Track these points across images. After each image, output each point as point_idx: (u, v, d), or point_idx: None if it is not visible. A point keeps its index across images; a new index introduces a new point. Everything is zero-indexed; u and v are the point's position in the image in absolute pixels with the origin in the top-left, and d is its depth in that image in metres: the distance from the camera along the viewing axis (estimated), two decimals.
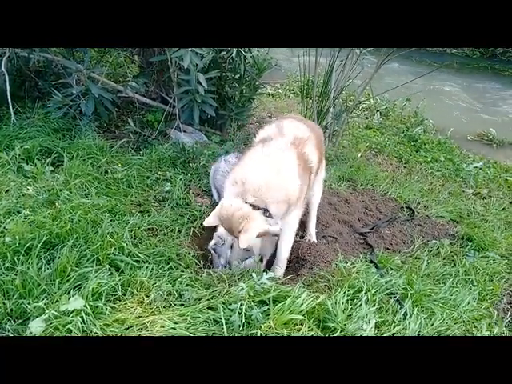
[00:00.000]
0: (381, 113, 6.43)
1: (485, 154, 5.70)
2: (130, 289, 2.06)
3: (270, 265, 2.60)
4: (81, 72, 3.56)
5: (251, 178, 2.09)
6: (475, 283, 2.77)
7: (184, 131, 3.95)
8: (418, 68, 8.39)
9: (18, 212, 2.46)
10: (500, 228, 3.59)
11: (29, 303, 1.86)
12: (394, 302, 2.23)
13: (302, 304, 1.95)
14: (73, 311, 1.81)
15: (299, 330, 1.87)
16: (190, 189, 3.22)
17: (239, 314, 1.87)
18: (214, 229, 2.54)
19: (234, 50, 3.63)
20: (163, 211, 2.85)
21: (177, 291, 2.09)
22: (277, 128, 2.41)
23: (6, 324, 1.79)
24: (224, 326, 1.84)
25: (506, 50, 10.51)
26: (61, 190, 2.73)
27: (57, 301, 1.88)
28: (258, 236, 2.11)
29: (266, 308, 1.94)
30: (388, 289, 2.31)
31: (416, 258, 2.96)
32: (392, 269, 2.67)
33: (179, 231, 2.70)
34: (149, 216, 2.73)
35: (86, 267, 2.11)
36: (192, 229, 2.77)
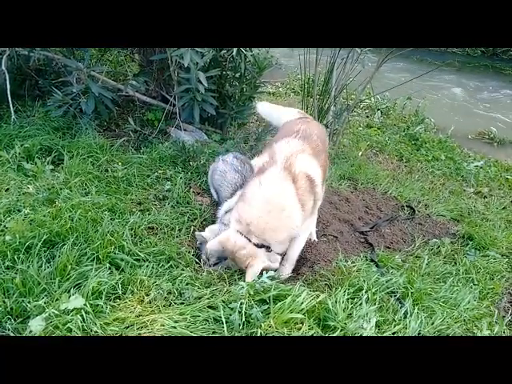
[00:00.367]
0: (381, 111, 6.42)
1: (486, 152, 5.69)
2: (130, 287, 2.06)
3: None
4: (81, 70, 3.55)
5: (255, 222, 2.21)
6: (476, 282, 2.77)
7: (184, 130, 3.95)
8: (418, 67, 8.37)
9: (19, 210, 2.46)
10: (501, 227, 3.59)
11: (29, 302, 1.86)
12: (394, 300, 2.23)
13: (303, 303, 1.95)
14: (73, 310, 1.81)
15: (299, 329, 1.86)
16: (190, 187, 3.22)
17: (239, 312, 1.87)
18: None
19: (235, 48, 3.62)
20: (163, 210, 2.84)
21: (177, 290, 2.09)
22: (269, 157, 2.41)
23: (6, 323, 1.79)
24: (224, 325, 1.84)
25: (507, 49, 10.48)
26: (61, 189, 2.73)
27: (57, 299, 1.88)
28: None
29: (266, 307, 1.94)
30: (388, 288, 2.31)
31: (416, 256, 2.96)
32: (392, 268, 2.67)
33: (179, 230, 2.70)
34: (149, 215, 2.73)
35: (86, 266, 2.11)
36: (192, 227, 2.77)
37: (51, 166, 3.05)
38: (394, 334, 1.99)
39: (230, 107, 4.13)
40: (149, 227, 2.63)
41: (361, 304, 2.07)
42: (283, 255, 2.47)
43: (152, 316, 1.89)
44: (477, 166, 5.03)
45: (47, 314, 1.77)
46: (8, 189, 2.73)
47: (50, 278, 2.01)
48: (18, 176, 2.89)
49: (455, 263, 2.96)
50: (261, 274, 2.17)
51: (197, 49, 3.31)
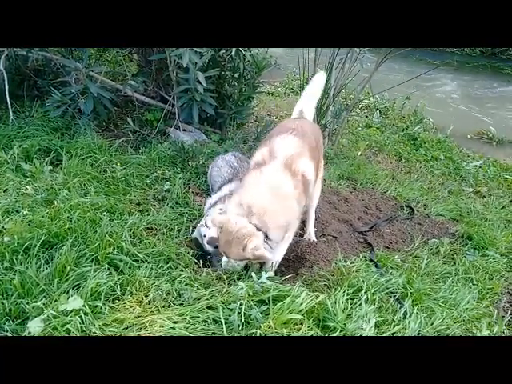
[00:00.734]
0: (380, 111, 6.42)
1: (484, 152, 5.69)
2: (129, 288, 2.05)
3: None
4: (80, 71, 3.54)
5: (258, 202, 2.26)
6: (475, 282, 2.77)
7: (183, 130, 3.94)
8: (417, 66, 8.37)
9: (17, 211, 2.45)
10: (500, 226, 3.59)
11: (27, 303, 1.85)
12: (393, 301, 2.23)
13: (302, 303, 1.95)
14: (72, 311, 1.80)
15: (299, 330, 1.86)
16: (189, 188, 3.21)
17: (238, 313, 1.87)
18: None
19: (234, 48, 3.62)
20: (162, 210, 2.84)
21: (176, 291, 2.09)
22: (268, 152, 2.45)
23: (4, 324, 1.78)
24: (223, 326, 1.84)
25: (505, 49, 10.49)
26: (59, 190, 2.72)
27: (55, 300, 1.87)
28: (254, 259, 2.24)
29: (265, 307, 1.94)
30: (388, 288, 2.31)
31: (416, 256, 2.96)
32: (392, 268, 2.67)
33: (178, 230, 2.69)
34: (148, 215, 2.72)
35: (85, 267, 2.10)
36: (191, 228, 2.76)
37: (50, 167, 3.04)
38: (393, 334, 1.99)
39: (228, 107, 4.12)
40: (148, 228, 2.62)
41: (360, 304, 2.07)
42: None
43: (151, 317, 1.89)
44: (476, 166, 5.03)
45: (46, 316, 1.77)
46: (6, 189, 2.72)
47: (48, 279, 2.00)
48: (16, 177, 2.89)
49: (454, 263, 2.96)
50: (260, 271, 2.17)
51: (195, 49, 3.31)
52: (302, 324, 1.89)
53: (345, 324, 1.92)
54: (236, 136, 4.12)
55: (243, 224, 2.22)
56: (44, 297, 1.91)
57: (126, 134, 3.85)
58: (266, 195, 2.29)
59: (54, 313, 1.78)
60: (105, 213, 2.54)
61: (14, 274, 1.98)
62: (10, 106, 3.50)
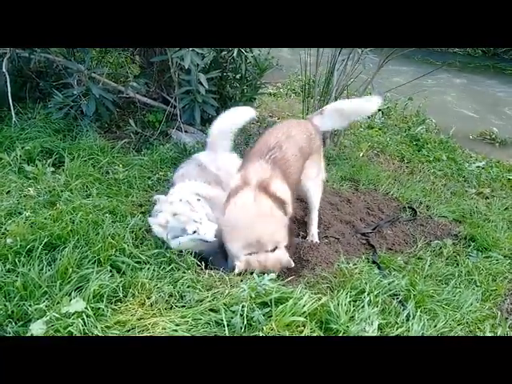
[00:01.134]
0: (383, 112, 6.40)
1: (487, 153, 5.65)
2: (131, 290, 2.05)
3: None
4: (82, 72, 3.55)
5: (263, 234, 2.34)
6: (478, 284, 2.75)
7: (185, 131, 3.94)
8: (419, 67, 8.35)
9: (19, 213, 2.46)
10: (503, 228, 3.57)
11: (30, 305, 1.85)
12: (396, 303, 2.22)
13: (304, 306, 1.95)
14: (74, 313, 1.80)
15: (301, 332, 1.86)
16: None
17: (241, 315, 1.86)
18: None
19: (235, 49, 3.62)
20: None
21: (178, 293, 2.08)
22: (242, 179, 2.48)
23: (7, 326, 1.79)
24: (226, 328, 1.83)
25: (508, 49, 10.45)
26: (62, 191, 2.73)
27: (58, 303, 1.87)
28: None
29: (267, 310, 1.93)
30: (391, 290, 2.29)
31: (418, 258, 2.94)
32: (394, 269, 2.66)
33: None
34: (150, 217, 2.71)
35: (87, 269, 2.11)
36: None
37: (52, 169, 3.05)
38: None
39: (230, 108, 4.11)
40: (150, 229, 2.61)
41: (363, 306, 2.06)
42: None
43: (153, 319, 1.89)
44: (478, 167, 5.00)
45: (48, 318, 1.77)
46: (9, 191, 2.73)
47: (51, 281, 2.01)
48: (18, 178, 2.89)
49: (457, 265, 2.94)
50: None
51: (197, 50, 3.31)
52: (304, 326, 1.88)
53: (347, 326, 1.91)
54: (238, 137, 4.11)
55: (263, 258, 2.33)
56: (46, 299, 1.91)
57: (128, 135, 3.85)
58: (257, 222, 2.36)
59: (57, 315, 1.78)
60: (107, 214, 2.54)
61: (17, 276, 1.98)
62: (12, 108, 3.51)
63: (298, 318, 1.89)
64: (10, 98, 3.46)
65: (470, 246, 3.22)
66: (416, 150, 5.24)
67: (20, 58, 3.79)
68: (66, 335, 1.73)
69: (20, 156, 3.12)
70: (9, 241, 2.16)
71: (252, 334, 1.83)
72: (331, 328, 1.92)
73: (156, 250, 2.37)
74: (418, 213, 3.60)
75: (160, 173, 3.31)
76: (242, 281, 2.20)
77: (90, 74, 3.61)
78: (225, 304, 1.97)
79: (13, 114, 3.52)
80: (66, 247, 2.18)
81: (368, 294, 2.15)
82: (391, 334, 1.97)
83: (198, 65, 3.40)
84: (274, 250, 2.35)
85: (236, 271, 2.27)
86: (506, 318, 2.50)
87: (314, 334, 1.87)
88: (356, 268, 2.47)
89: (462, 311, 2.32)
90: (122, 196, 2.90)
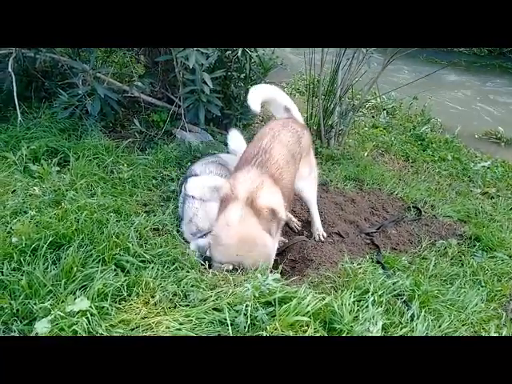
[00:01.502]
0: (387, 111, 6.38)
1: (493, 152, 5.62)
2: (135, 289, 2.05)
3: None
4: (87, 72, 3.56)
5: (245, 258, 2.35)
6: (483, 284, 2.74)
7: (189, 131, 3.95)
8: (425, 66, 8.31)
9: (25, 212, 2.46)
10: (508, 228, 3.55)
11: (35, 304, 1.86)
12: (401, 303, 2.21)
13: (308, 305, 1.94)
14: (78, 312, 1.81)
15: (305, 332, 1.85)
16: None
17: (244, 315, 1.86)
18: None
19: (240, 49, 3.62)
20: (168, 211, 2.84)
21: (182, 292, 2.08)
22: (230, 188, 2.46)
23: (12, 324, 1.79)
24: (229, 328, 1.83)
25: None
26: (67, 191, 2.74)
27: (63, 301, 1.88)
28: None
29: (271, 309, 1.93)
30: (395, 290, 2.29)
31: (423, 258, 2.94)
32: (399, 269, 2.65)
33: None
34: (154, 216, 2.73)
35: (92, 268, 2.11)
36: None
37: (57, 168, 3.06)
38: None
39: (235, 108, 4.12)
40: (154, 228, 2.63)
41: (367, 307, 2.05)
42: None
43: (157, 318, 1.89)
44: (484, 167, 4.97)
45: (53, 316, 1.77)
46: (14, 190, 2.74)
47: (55, 279, 2.01)
48: (24, 178, 2.91)
49: (462, 265, 2.93)
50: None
51: (202, 50, 3.32)
52: (308, 326, 1.88)
53: (351, 326, 1.90)
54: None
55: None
56: (51, 297, 1.92)
57: (132, 134, 3.86)
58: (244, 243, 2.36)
59: (61, 314, 1.78)
60: (112, 214, 2.54)
61: (22, 275, 1.99)
62: (18, 108, 3.52)
63: (301, 317, 1.89)
64: (15, 97, 3.48)
65: (475, 246, 3.20)
66: (421, 150, 5.22)
67: (25, 58, 3.80)
68: (71, 335, 1.74)
69: (25, 155, 3.14)
70: (14, 240, 2.16)
71: (256, 334, 1.83)
72: (335, 328, 1.92)
73: (160, 249, 2.37)
74: (423, 212, 3.59)
75: (164, 172, 3.32)
76: (245, 280, 2.20)
77: (95, 74, 3.63)
78: (228, 303, 1.97)
79: (18, 113, 3.54)
80: (70, 246, 2.19)
81: (372, 294, 2.14)
82: (395, 334, 1.97)
83: (202, 64, 3.40)
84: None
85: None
86: (511, 319, 2.49)
87: (318, 334, 1.86)
88: (360, 268, 2.46)
89: (467, 311, 2.31)
90: (126, 195, 2.91)
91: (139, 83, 3.98)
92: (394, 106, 6.55)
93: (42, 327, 1.74)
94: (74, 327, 1.75)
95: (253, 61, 3.88)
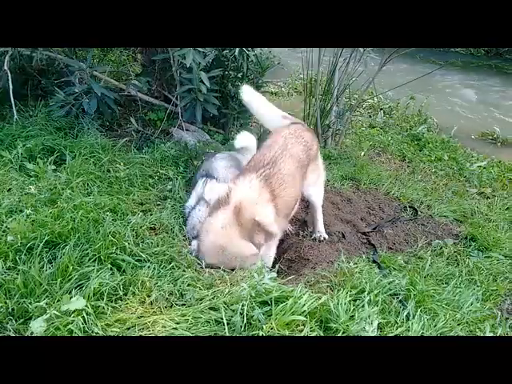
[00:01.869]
0: (384, 111, 6.40)
1: (489, 153, 5.64)
2: (131, 289, 2.05)
3: None
4: (83, 70, 3.55)
5: (222, 263, 2.37)
6: (479, 284, 2.75)
7: (186, 130, 3.95)
8: (421, 66, 8.33)
9: (20, 211, 2.45)
10: (504, 228, 3.57)
11: (30, 303, 1.85)
12: (396, 302, 2.22)
13: (304, 305, 1.94)
14: (74, 311, 1.80)
15: (301, 331, 1.85)
16: (190, 188, 3.21)
17: (241, 314, 1.86)
18: None
19: (237, 48, 3.62)
20: (165, 210, 2.84)
21: (178, 291, 2.08)
22: (227, 193, 2.47)
23: (7, 323, 1.78)
24: (226, 327, 1.83)
25: (510, 49, 10.41)
26: (63, 189, 2.72)
27: (58, 300, 1.87)
28: None
29: (267, 308, 1.93)
30: (391, 289, 2.29)
31: (419, 258, 2.94)
32: (395, 269, 2.66)
33: (181, 230, 2.69)
34: (151, 215, 2.72)
35: (88, 267, 2.10)
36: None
37: (53, 167, 3.05)
38: (396, 336, 1.98)
39: (232, 107, 4.12)
40: (150, 227, 2.62)
41: (363, 306, 2.06)
42: None
43: (153, 317, 1.89)
44: (480, 167, 5.00)
45: (48, 315, 1.76)
46: (10, 189, 2.72)
47: (51, 278, 2.00)
48: (20, 176, 2.89)
49: (458, 264, 2.94)
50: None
51: (199, 49, 3.31)
52: (304, 325, 1.88)
53: (347, 326, 1.91)
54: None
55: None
56: (47, 297, 1.91)
57: (129, 133, 3.85)
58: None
59: (57, 313, 1.78)
60: (108, 213, 2.53)
61: (17, 274, 1.98)
62: (13, 106, 3.51)
63: (297, 316, 1.89)
64: (11, 95, 3.46)
65: (470, 245, 3.22)
66: (417, 150, 5.24)
67: (22, 56, 3.79)
68: (66, 334, 1.73)
69: (21, 154, 3.12)
70: (9, 238, 2.15)
71: (252, 333, 1.83)
72: (331, 327, 1.92)
73: (156, 249, 2.37)
74: (419, 212, 3.61)
75: (161, 171, 3.31)
76: (242, 279, 2.20)
77: (91, 72, 3.61)
78: (225, 303, 1.97)
79: (14, 111, 3.52)
80: (66, 245, 2.18)
81: (368, 294, 2.15)
82: (391, 334, 1.97)
83: (199, 63, 3.40)
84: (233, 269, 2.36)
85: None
86: (507, 319, 2.50)
87: (314, 333, 1.86)
88: (356, 267, 2.47)
89: (462, 311, 2.32)
90: (122, 194, 2.90)
91: (136, 82, 3.98)
92: (390, 106, 6.58)
93: (37, 326, 1.73)
94: (70, 326, 1.74)
95: (250, 60, 3.88)
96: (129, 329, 1.83)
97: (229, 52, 3.86)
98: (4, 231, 2.25)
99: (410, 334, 1.99)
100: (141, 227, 2.52)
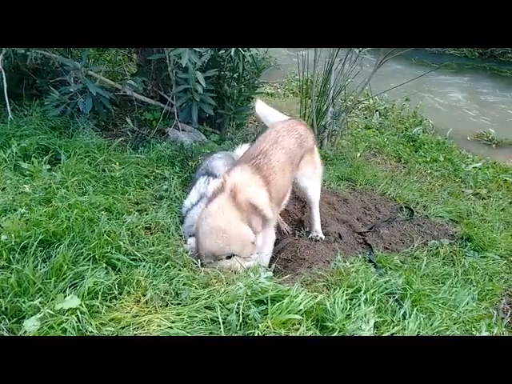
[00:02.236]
0: (380, 113, 6.42)
1: (484, 154, 5.68)
2: (126, 288, 2.03)
3: None
4: (78, 70, 3.54)
5: (216, 246, 2.38)
6: (474, 283, 2.75)
7: (182, 130, 3.94)
8: (417, 68, 8.38)
9: (15, 210, 2.43)
10: (499, 228, 3.58)
11: (24, 302, 1.83)
12: (393, 301, 2.21)
13: (301, 304, 1.93)
14: (68, 310, 1.78)
15: (297, 330, 1.84)
16: (187, 187, 3.20)
17: (237, 313, 1.85)
18: None
19: (233, 48, 3.62)
20: (161, 210, 2.82)
21: (174, 290, 2.07)
22: (221, 183, 2.49)
23: (0, 323, 1.77)
24: (221, 326, 1.82)
25: (504, 51, 10.50)
26: (58, 189, 2.71)
27: (52, 299, 1.85)
28: None
29: (263, 307, 1.92)
30: (387, 289, 2.29)
31: (415, 257, 2.95)
32: (391, 269, 2.66)
33: (177, 230, 2.68)
34: (146, 214, 2.71)
35: (83, 266, 2.08)
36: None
37: (48, 166, 3.03)
38: (392, 335, 1.97)
39: (228, 107, 4.12)
40: (146, 227, 2.61)
41: (359, 305, 2.05)
42: None
43: (148, 316, 1.87)
44: (475, 168, 5.02)
45: (42, 314, 1.75)
46: (4, 188, 2.70)
47: (45, 277, 1.98)
48: (14, 175, 2.87)
49: (454, 264, 2.95)
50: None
51: (195, 49, 3.31)
52: (300, 324, 1.87)
53: (344, 325, 1.90)
54: (235, 136, 4.12)
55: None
56: (41, 296, 1.89)
57: (124, 133, 3.84)
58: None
59: (51, 312, 1.76)
60: (103, 212, 2.52)
61: (11, 273, 1.96)
62: (8, 105, 3.49)
63: (294, 315, 1.88)
64: (5, 94, 3.44)
65: (466, 246, 3.23)
66: (413, 151, 5.26)
67: (17, 55, 3.77)
68: (60, 333, 1.71)
69: (16, 153, 3.10)
70: (3, 237, 2.13)
71: (248, 332, 1.82)
72: (327, 326, 1.91)
73: (152, 248, 2.36)
74: (415, 213, 3.61)
75: (156, 171, 3.30)
76: (238, 278, 2.19)
77: (86, 72, 3.60)
78: (221, 302, 1.96)
79: (9, 110, 3.50)
80: (61, 244, 2.16)
81: (364, 293, 2.14)
82: (387, 333, 1.97)
83: (195, 63, 3.39)
84: (229, 257, 2.37)
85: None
86: (502, 318, 2.50)
87: (310, 332, 1.86)
88: (353, 267, 2.46)
89: (458, 310, 2.32)
90: (118, 194, 2.88)
91: (132, 82, 3.96)
92: (386, 108, 6.60)
93: (30, 325, 1.71)
94: (64, 325, 1.72)
95: (246, 60, 3.88)
96: (123, 328, 1.81)
97: (225, 52, 3.86)
98: None
99: (406, 332, 1.99)
100: (136, 226, 2.51)
